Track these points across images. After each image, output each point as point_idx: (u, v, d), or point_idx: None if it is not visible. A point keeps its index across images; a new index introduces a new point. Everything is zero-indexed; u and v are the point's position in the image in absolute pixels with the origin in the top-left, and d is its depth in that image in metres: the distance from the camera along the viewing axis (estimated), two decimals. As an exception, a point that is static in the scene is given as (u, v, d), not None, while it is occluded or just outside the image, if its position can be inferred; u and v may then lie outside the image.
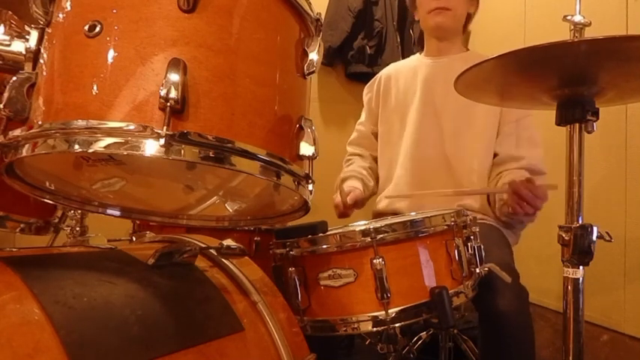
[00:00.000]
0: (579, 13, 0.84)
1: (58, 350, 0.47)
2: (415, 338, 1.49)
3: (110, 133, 0.50)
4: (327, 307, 0.87)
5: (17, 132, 0.53)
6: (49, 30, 0.57)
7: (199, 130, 0.51)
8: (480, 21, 2.30)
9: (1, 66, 0.59)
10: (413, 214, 1.27)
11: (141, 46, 0.52)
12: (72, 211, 0.86)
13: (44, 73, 0.55)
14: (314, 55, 0.64)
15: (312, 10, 0.64)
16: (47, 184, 0.66)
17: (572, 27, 0.85)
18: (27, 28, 0.58)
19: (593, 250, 0.78)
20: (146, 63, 0.51)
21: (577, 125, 0.80)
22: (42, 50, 0.56)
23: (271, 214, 0.78)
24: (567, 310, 0.81)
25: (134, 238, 1.14)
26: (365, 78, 2.31)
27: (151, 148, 0.49)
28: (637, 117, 1.51)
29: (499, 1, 2.23)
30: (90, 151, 0.50)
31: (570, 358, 0.80)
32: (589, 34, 0.81)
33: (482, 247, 0.98)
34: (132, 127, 0.49)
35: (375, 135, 1.56)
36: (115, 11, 0.53)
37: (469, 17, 1.45)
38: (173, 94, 0.49)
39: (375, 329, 0.84)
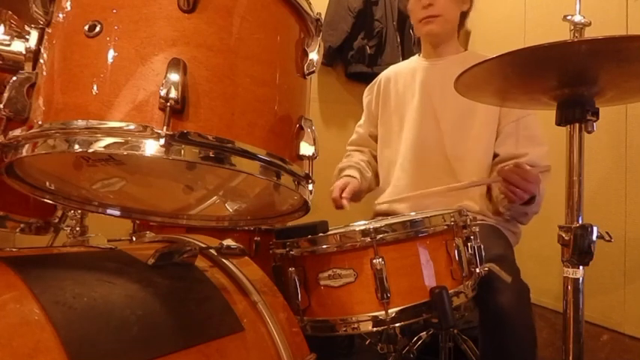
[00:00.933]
0: (579, 13, 0.84)
1: (58, 350, 0.47)
2: (415, 338, 1.49)
3: (110, 133, 0.50)
4: (327, 307, 0.87)
5: (17, 132, 0.53)
6: (49, 30, 0.56)
7: (199, 130, 0.51)
8: (480, 21, 2.31)
9: (1, 66, 0.59)
10: (413, 214, 1.27)
11: (141, 46, 0.52)
12: (72, 211, 0.86)
13: (44, 73, 0.55)
14: (314, 55, 0.64)
15: (312, 10, 0.64)
16: (47, 184, 0.66)
17: (572, 27, 0.85)
18: (27, 28, 0.57)
19: (593, 250, 0.78)
20: (146, 63, 0.51)
21: (577, 125, 0.80)
22: (42, 50, 0.56)
23: (271, 214, 0.78)
24: (567, 310, 0.81)
25: (134, 238, 1.14)
26: (365, 78, 2.32)
27: (151, 148, 0.49)
28: (637, 117, 1.51)
29: (499, 1, 2.23)
30: (90, 151, 0.50)
31: (570, 358, 0.80)
32: (589, 34, 0.81)
33: (482, 247, 0.98)
34: (132, 127, 0.49)
35: (374, 137, 1.57)
36: (115, 11, 0.53)
37: (463, 16, 1.44)
38: (173, 94, 0.49)
39: (375, 329, 0.84)
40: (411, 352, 1.44)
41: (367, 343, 1.23)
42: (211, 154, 0.52)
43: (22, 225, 0.84)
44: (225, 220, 0.83)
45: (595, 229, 0.79)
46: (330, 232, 0.90)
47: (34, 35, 0.57)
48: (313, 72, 0.65)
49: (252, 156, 0.55)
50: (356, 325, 0.85)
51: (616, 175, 1.57)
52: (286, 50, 0.62)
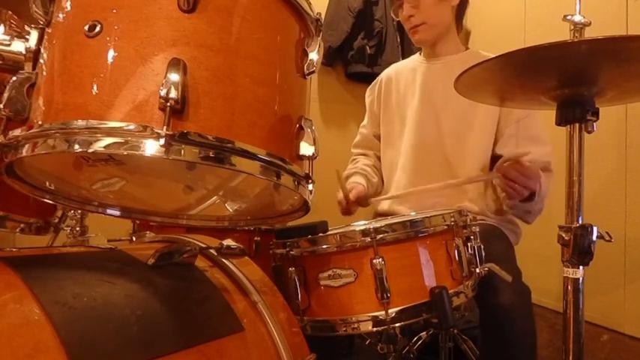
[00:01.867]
0: (579, 13, 0.84)
1: (58, 350, 0.47)
2: (415, 338, 1.49)
3: (110, 133, 0.50)
4: (327, 307, 0.87)
5: (17, 132, 0.53)
6: (49, 30, 0.56)
7: (199, 130, 0.51)
8: (480, 21, 2.31)
9: (1, 66, 0.59)
10: (413, 214, 1.27)
11: (141, 46, 0.52)
12: (72, 211, 0.86)
13: (44, 73, 0.55)
14: (314, 55, 0.64)
15: (312, 10, 0.64)
16: (47, 184, 0.66)
17: (572, 27, 0.85)
18: (27, 28, 0.57)
19: (593, 250, 0.78)
20: (146, 63, 0.51)
21: (577, 125, 0.80)
22: (42, 50, 0.56)
23: (271, 214, 0.78)
24: (567, 310, 0.81)
25: (134, 238, 1.14)
26: (365, 78, 2.32)
27: (151, 148, 0.49)
28: (637, 117, 1.51)
29: (499, 1, 2.23)
30: (90, 151, 0.50)
31: (570, 358, 0.80)
32: (589, 34, 0.81)
33: (482, 247, 0.98)
34: (132, 127, 0.49)
35: (378, 137, 1.56)
36: (115, 11, 0.53)
37: (459, 9, 1.41)
38: (173, 94, 0.49)
39: (375, 329, 0.84)
40: (411, 352, 1.44)
41: (367, 343, 1.23)
42: (211, 154, 0.52)
43: (22, 225, 0.84)
44: (225, 220, 0.83)
45: (595, 229, 0.79)
46: (330, 232, 0.90)
47: (34, 35, 0.57)
48: (313, 72, 0.65)
49: (252, 156, 0.55)
50: (356, 325, 0.85)
51: (616, 175, 1.57)
52: (286, 50, 0.62)
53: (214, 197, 0.75)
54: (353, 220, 1.18)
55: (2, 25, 0.61)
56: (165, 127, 0.49)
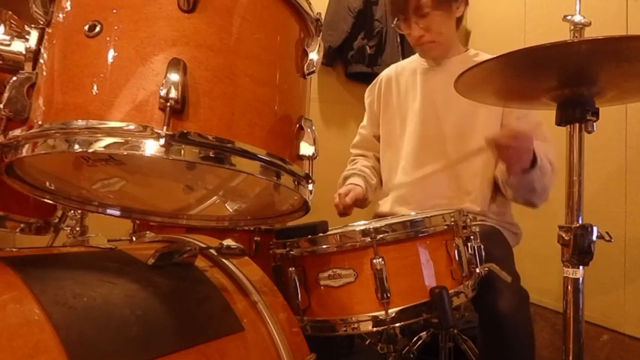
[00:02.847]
0: (579, 13, 0.84)
1: (58, 350, 0.47)
2: (415, 338, 1.49)
3: (110, 133, 0.50)
4: (327, 307, 0.87)
5: (17, 132, 0.53)
6: (49, 30, 0.56)
7: (199, 130, 0.51)
8: (480, 21, 2.31)
9: (1, 66, 0.59)
10: (413, 214, 1.27)
11: (141, 46, 0.52)
12: (72, 211, 0.86)
13: (44, 73, 0.55)
14: (314, 55, 0.64)
15: (312, 10, 0.64)
16: (47, 184, 0.66)
17: (572, 27, 0.85)
18: (27, 28, 0.57)
19: (593, 250, 0.78)
20: (146, 63, 0.51)
21: (577, 125, 0.80)
22: (42, 50, 0.56)
23: (271, 214, 0.78)
24: (567, 310, 0.81)
25: (134, 238, 1.14)
26: (365, 78, 2.32)
27: (151, 148, 0.49)
28: (637, 117, 1.51)
29: (499, 1, 2.23)
30: (90, 151, 0.50)
31: (570, 358, 0.80)
32: (589, 34, 0.81)
33: (482, 247, 0.98)
34: (132, 127, 0.49)
35: (377, 138, 1.56)
36: (115, 11, 0.53)
37: (459, 20, 1.41)
38: (173, 94, 0.49)
39: (375, 329, 0.84)
40: (411, 352, 1.44)
41: (367, 343, 1.23)
42: (211, 154, 0.52)
43: (22, 225, 0.84)
44: (225, 220, 0.83)
45: (595, 229, 0.79)
46: (330, 232, 0.90)
47: (34, 35, 0.57)
48: (313, 72, 0.65)
49: (252, 156, 0.55)
50: (356, 325, 0.85)
51: (616, 175, 1.57)
52: (286, 50, 0.62)
53: (214, 197, 0.75)
54: (353, 221, 1.18)
55: (2, 25, 0.61)
56: (165, 127, 0.49)
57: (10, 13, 0.65)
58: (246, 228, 1.17)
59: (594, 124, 0.79)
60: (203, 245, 0.75)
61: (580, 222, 0.80)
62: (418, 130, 1.41)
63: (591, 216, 0.81)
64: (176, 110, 0.50)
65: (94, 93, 0.51)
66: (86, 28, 0.52)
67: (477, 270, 0.96)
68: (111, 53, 0.52)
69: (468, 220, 0.98)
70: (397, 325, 0.84)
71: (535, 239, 1.58)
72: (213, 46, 0.54)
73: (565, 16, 0.85)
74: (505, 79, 0.83)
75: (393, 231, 0.86)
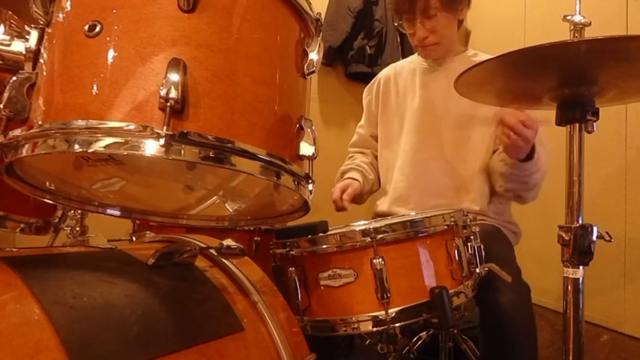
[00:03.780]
0: (579, 13, 0.84)
1: (58, 350, 0.47)
2: (415, 338, 1.49)
3: (110, 133, 0.50)
4: (327, 307, 0.87)
5: (17, 132, 0.53)
6: (49, 30, 0.56)
7: (199, 130, 0.51)
8: (480, 21, 2.31)
9: (1, 66, 0.59)
10: (413, 213, 1.27)
11: (141, 46, 0.52)
12: (72, 211, 0.86)
13: (44, 73, 0.55)
14: (314, 55, 0.64)
15: (312, 10, 0.64)
16: (47, 184, 0.66)
17: (572, 27, 0.85)
18: (27, 28, 0.57)
19: (593, 250, 0.78)
20: (146, 63, 0.51)
21: (577, 125, 0.80)
22: (42, 50, 0.56)
23: (271, 214, 0.78)
24: (567, 310, 0.81)
25: (134, 238, 1.14)
26: (365, 78, 2.32)
27: (151, 148, 0.49)
28: (637, 117, 1.51)
29: (499, 1, 2.23)
30: (90, 151, 0.50)
31: (570, 358, 0.80)
32: (589, 34, 0.81)
33: (482, 247, 0.98)
34: (132, 127, 0.49)
35: (375, 138, 1.56)
36: (115, 11, 0.53)
37: (460, 22, 1.41)
38: (173, 94, 0.49)
39: (375, 329, 0.84)
40: (411, 352, 1.44)
41: (367, 343, 1.23)
42: (211, 154, 0.52)
43: (22, 225, 0.84)
44: (225, 220, 0.83)
45: (595, 229, 0.79)
46: (330, 232, 0.90)
47: (34, 35, 0.57)
48: (313, 72, 0.65)
49: (252, 156, 0.55)
50: (356, 325, 0.85)
51: (616, 175, 1.57)
52: (286, 50, 0.62)
53: (214, 197, 0.75)
54: (353, 221, 1.18)
55: (2, 25, 0.61)
56: (165, 127, 0.49)
57: (10, 13, 0.65)
58: (246, 228, 1.17)
59: (594, 124, 0.80)
60: (203, 245, 0.75)
61: (580, 222, 0.80)
62: (416, 130, 1.41)
63: (591, 216, 0.81)
64: (176, 110, 0.50)
65: (94, 93, 0.51)
66: (86, 28, 0.52)
67: (477, 270, 0.96)
68: (111, 53, 0.52)
69: (468, 220, 0.98)
70: (397, 325, 0.83)
71: (535, 239, 1.58)
72: (213, 46, 0.54)
73: (565, 16, 0.85)
74: (505, 79, 0.83)
75: (393, 231, 0.86)
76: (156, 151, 0.49)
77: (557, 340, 1.75)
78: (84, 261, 0.67)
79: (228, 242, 0.74)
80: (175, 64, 0.51)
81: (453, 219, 0.93)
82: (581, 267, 0.79)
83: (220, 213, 0.82)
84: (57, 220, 0.89)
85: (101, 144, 0.50)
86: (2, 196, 0.78)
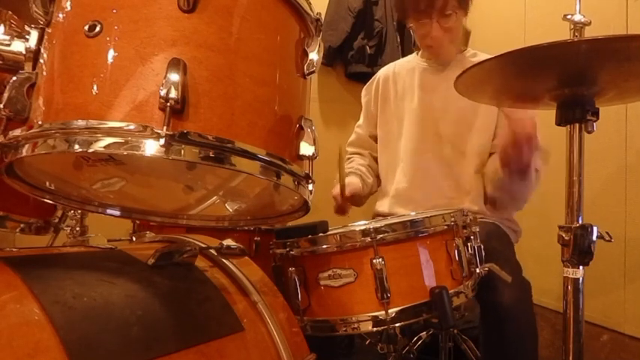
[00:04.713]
0: (579, 13, 0.84)
1: (58, 350, 0.47)
2: (415, 338, 1.49)
3: (110, 133, 0.50)
4: (327, 307, 0.87)
5: (17, 132, 0.53)
6: (49, 30, 0.57)
7: (199, 130, 0.51)
8: (480, 21, 2.30)
9: (1, 66, 0.59)
10: (413, 214, 1.27)
11: (141, 46, 0.52)
12: (72, 211, 0.86)
13: (44, 73, 0.55)
14: (314, 55, 0.64)
15: (312, 10, 0.64)
16: (47, 184, 0.66)
17: (572, 27, 0.85)
18: (27, 28, 0.57)
19: (593, 250, 0.78)
20: (146, 63, 0.51)
21: (577, 125, 0.80)
22: (42, 50, 0.56)
23: (271, 214, 0.78)
24: (567, 310, 0.81)
25: (134, 238, 1.14)
26: (365, 78, 2.30)
27: (151, 148, 0.49)
28: (637, 117, 1.51)
29: (499, 1, 2.23)
30: (90, 151, 0.50)
31: (570, 358, 0.80)
32: (589, 33, 0.81)
33: (482, 247, 0.98)
34: (132, 127, 0.49)
35: (374, 138, 1.56)
36: (115, 11, 0.53)
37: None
38: (173, 94, 0.49)
39: (375, 329, 0.84)
40: (411, 352, 1.44)
41: (367, 343, 1.23)
42: (211, 154, 0.52)
43: (22, 225, 0.84)
44: (225, 220, 0.83)
45: (595, 229, 0.79)
46: (330, 232, 0.90)
47: (34, 35, 0.57)
48: (313, 72, 0.65)
49: (252, 156, 0.55)
50: (356, 325, 0.85)
51: (616, 175, 1.57)
52: (286, 50, 0.62)
53: (214, 197, 0.75)
54: (353, 221, 1.18)
55: (2, 25, 0.61)
56: (165, 127, 0.49)
57: (10, 13, 0.65)
58: (246, 228, 1.17)
59: (594, 124, 0.79)
60: (203, 245, 0.75)
61: (580, 222, 0.80)
62: (416, 131, 1.41)
63: (591, 216, 0.81)
64: (176, 110, 0.50)
65: (94, 93, 0.51)
66: (86, 28, 0.52)
67: (477, 270, 0.96)
68: (111, 53, 0.52)
69: (468, 220, 0.98)
70: (397, 325, 0.84)
71: (535, 239, 1.58)
72: (213, 46, 0.54)
73: (565, 16, 0.85)
74: (505, 79, 0.83)
75: (393, 231, 0.86)
76: (156, 151, 0.49)
77: (557, 340, 1.74)
78: (84, 261, 0.67)
79: (228, 242, 0.74)
80: (175, 64, 0.51)
81: (453, 219, 0.93)
82: (581, 267, 0.79)
83: (220, 213, 0.82)
84: (57, 220, 0.89)
85: (101, 144, 0.50)
86: (2, 196, 0.78)
